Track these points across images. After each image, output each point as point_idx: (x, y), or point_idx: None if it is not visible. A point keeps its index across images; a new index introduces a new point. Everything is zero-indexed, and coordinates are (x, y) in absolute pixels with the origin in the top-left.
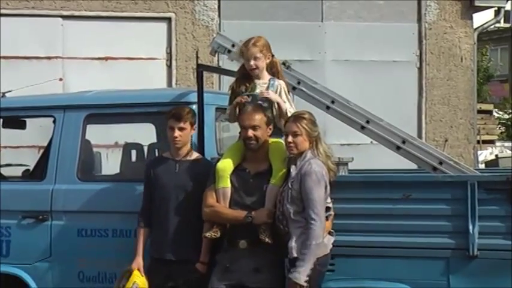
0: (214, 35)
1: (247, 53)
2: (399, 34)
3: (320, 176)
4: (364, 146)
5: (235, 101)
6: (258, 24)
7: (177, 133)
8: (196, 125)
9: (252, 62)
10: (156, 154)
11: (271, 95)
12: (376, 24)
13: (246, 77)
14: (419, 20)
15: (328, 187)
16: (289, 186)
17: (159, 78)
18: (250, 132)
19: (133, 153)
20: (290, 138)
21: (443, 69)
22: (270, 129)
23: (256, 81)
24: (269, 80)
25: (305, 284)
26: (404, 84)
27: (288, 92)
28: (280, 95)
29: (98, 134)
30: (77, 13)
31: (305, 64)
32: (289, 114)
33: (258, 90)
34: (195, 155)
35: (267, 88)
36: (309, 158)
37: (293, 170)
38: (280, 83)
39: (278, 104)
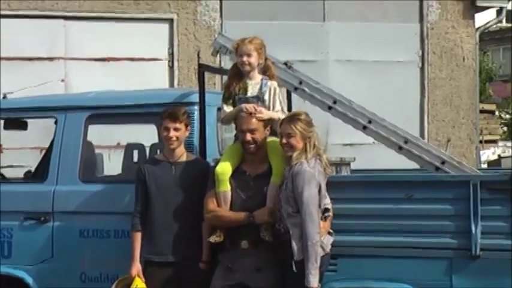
0: (216, 36)
1: (241, 48)
2: (401, 34)
3: (310, 176)
4: (366, 146)
5: (239, 108)
6: (260, 25)
7: (172, 133)
8: (190, 127)
9: (245, 58)
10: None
11: (264, 113)
12: (378, 24)
13: (238, 76)
14: (421, 20)
15: (323, 186)
16: (284, 186)
17: (161, 79)
18: (249, 136)
19: (135, 153)
20: (284, 140)
21: (445, 69)
22: (267, 130)
23: (248, 81)
24: (261, 80)
25: (319, 285)
26: (407, 84)
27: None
28: (273, 97)
29: (100, 134)
30: (79, 14)
31: (307, 64)
32: (281, 117)
33: (250, 91)
34: (188, 155)
35: (260, 88)
36: (300, 158)
37: (286, 170)
38: (272, 84)
39: (271, 118)
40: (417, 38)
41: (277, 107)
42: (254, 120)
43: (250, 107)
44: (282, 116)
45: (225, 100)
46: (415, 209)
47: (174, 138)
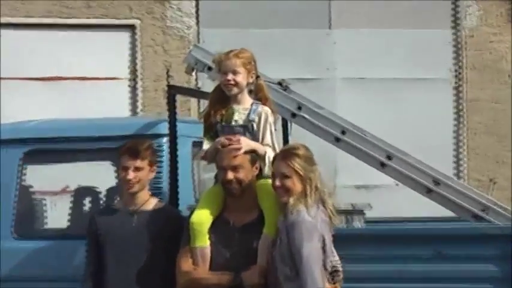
0: (191, 48)
1: (226, 63)
2: (429, 44)
3: (311, 227)
4: (385, 188)
5: (216, 143)
6: (246, 34)
7: (131, 174)
8: (157, 165)
9: (230, 76)
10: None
11: (244, 144)
12: (399, 31)
13: (222, 100)
14: (456, 25)
15: (328, 240)
16: (279, 241)
17: (120, 103)
18: (231, 175)
19: (87, 200)
20: (278, 181)
21: (487, 88)
22: (256, 168)
23: (235, 106)
24: (251, 105)
25: None
26: (438, 109)
27: (275, 122)
28: (263, 126)
29: (41, 176)
30: (12, 19)
31: (308, 84)
32: (271, 156)
33: (236, 118)
34: (154, 202)
35: (248, 115)
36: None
37: (280, 221)
38: (264, 110)
39: (254, 150)
40: (450, 48)
41: (267, 140)
42: (238, 154)
43: (224, 140)
44: (271, 153)
45: (205, 133)
46: (447, 270)
47: (134, 180)
